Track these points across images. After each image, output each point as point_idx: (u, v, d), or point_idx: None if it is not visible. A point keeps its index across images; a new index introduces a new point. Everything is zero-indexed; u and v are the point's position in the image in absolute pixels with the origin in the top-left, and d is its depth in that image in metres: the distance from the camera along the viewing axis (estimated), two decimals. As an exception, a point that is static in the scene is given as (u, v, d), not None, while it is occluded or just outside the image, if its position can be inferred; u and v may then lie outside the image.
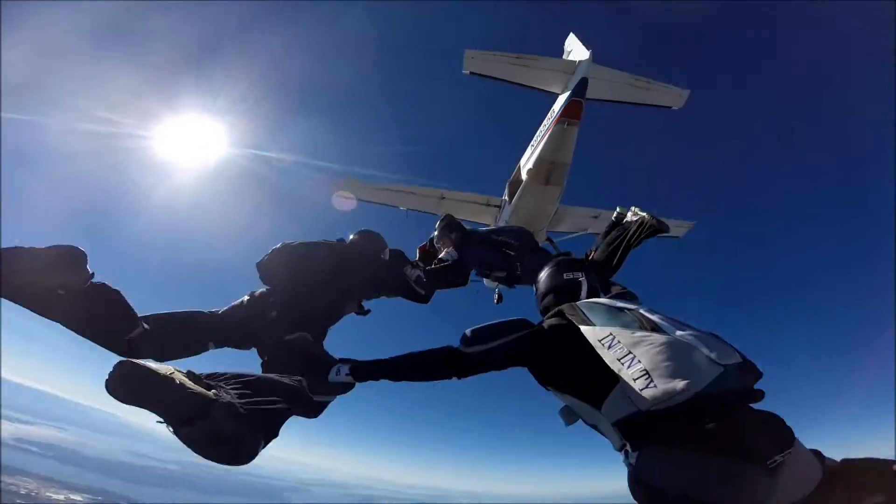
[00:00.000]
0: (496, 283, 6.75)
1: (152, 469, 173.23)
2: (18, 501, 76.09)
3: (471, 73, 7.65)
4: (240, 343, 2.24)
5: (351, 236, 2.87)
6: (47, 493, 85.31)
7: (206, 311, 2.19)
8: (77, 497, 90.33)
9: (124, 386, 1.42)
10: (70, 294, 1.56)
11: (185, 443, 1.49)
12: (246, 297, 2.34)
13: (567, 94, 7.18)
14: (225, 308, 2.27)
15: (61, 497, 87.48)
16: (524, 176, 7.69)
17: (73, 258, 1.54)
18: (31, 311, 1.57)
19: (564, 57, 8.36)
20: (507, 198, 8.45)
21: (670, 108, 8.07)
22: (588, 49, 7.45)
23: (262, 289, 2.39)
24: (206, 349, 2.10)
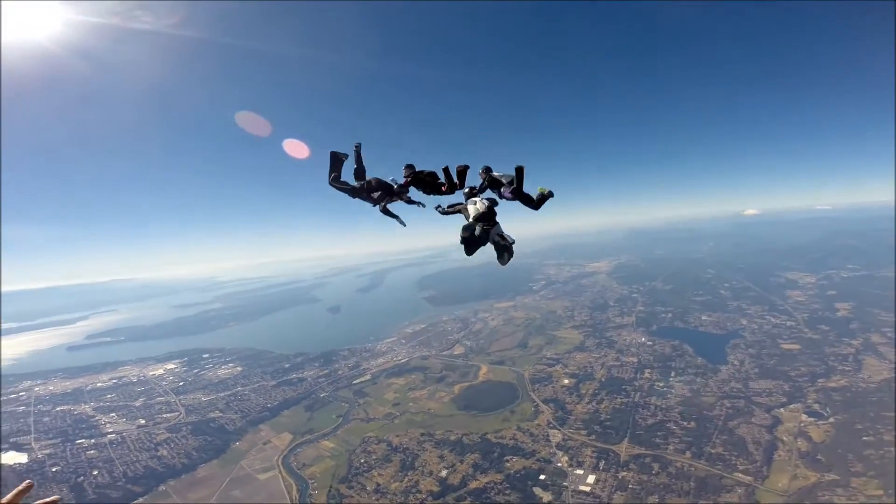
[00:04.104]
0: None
1: (202, 315, 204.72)
2: (138, 388, 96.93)
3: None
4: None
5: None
6: (151, 373, 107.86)
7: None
8: (171, 365, 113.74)
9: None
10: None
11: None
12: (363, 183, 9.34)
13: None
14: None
15: (160, 371, 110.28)
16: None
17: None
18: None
19: None
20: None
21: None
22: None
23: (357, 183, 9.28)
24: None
